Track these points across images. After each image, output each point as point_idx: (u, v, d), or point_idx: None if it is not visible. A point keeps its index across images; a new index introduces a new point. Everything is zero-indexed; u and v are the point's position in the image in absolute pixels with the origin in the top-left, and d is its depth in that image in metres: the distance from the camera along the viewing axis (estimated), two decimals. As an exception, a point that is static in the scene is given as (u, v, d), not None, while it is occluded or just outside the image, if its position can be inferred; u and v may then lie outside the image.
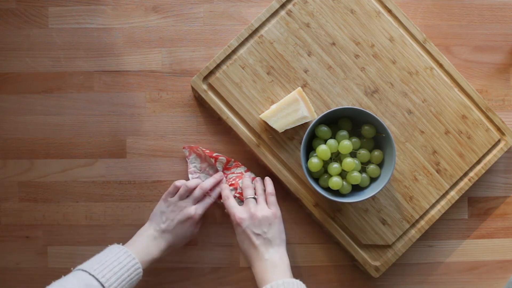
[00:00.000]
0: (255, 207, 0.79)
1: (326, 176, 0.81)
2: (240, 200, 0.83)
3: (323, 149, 0.78)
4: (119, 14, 0.88)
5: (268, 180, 0.84)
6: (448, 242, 0.89)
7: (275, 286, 0.72)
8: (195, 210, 0.81)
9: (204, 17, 0.88)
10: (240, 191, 0.83)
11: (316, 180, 0.82)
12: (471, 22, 0.90)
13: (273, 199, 0.81)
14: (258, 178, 0.84)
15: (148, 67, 0.88)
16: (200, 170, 0.87)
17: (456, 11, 0.90)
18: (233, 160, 0.86)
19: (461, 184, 0.86)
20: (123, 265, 0.73)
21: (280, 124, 0.81)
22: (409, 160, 0.85)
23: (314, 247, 0.88)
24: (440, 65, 0.86)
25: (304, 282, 0.74)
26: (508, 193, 0.90)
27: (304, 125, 0.84)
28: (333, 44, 0.85)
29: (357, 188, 0.82)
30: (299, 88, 0.82)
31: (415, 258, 0.89)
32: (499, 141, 0.86)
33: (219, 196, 0.84)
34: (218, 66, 0.84)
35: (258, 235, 0.77)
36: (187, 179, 0.87)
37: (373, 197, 0.84)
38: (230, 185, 0.84)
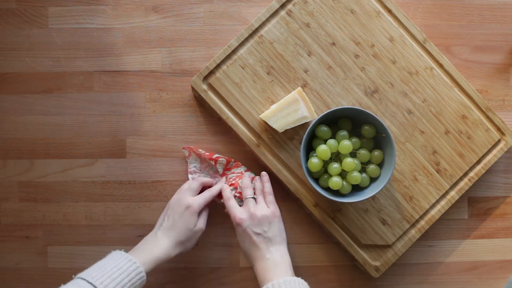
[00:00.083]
0: (255, 207, 0.79)
1: (326, 176, 0.81)
2: (240, 199, 0.83)
3: (323, 149, 0.78)
4: (119, 14, 0.88)
5: (265, 177, 0.83)
6: (448, 242, 0.89)
7: (276, 285, 0.72)
8: (193, 199, 0.80)
9: (204, 17, 0.88)
10: (240, 191, 0.83)
11: (316, 180, 0.82)
12: (471, 22, 0.90)
13: (271, 198, 0.81)
14: (257, 178, 0.84)
15: (148, 67, 0.88)
16: (200, 170, 0.87)
17: (456, 11, 0.90)
18: (233, 160, 0.86)
19: (461, 184, 0.86)
20: (123, 270, 0.71)
21: (280, 124, 0.81)
22: (409, 160, 0.85)
23: (314, 247, 0.88)
24: (440, 65, 0.86)
25: (302, 279, 0.74)
26: (508, 193, 0.90)
27: (304, 125, 0.84)
28: (333, 44, 0.85)
29: (357, 188, 0.82)
30: (299, 88, 0.82)
31: (415, 258, 0.89)
32: (499, 141, 0.86)
33: (220, 196, 0.84)
34: (218, 66, 0.84)
35: (258, 234, 0.77)
36: (187, 179, 0.87)
37: (373, 197, 0.84)
38: (230, 185, 0.84)
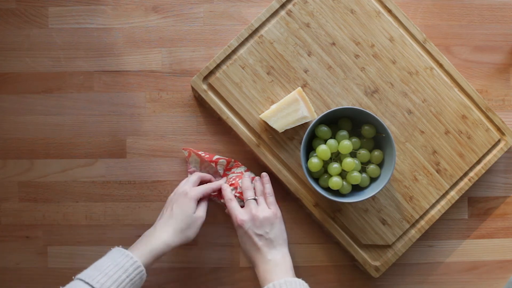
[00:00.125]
0: (256, 208, 0.79)
1: (326, 176, 0.81)
2: (241, 199, 0.83)
3: (323, 149, 0.78)
4: (119, 14, 0.88)
5: (265, 178, 0.83)
6: (448, 242, 0.89)
7: (277, 285, 0.72)
8: (190, 187, 0.79)
9: (204, 17, 0.88)
10: (240, 191, 0.83)
11: (316, 180, 0.82)
12: (471, 22, 0.90)
13: (272, 199, 0.81)
14: (257, 178, 0.84)
15: (148, 67, 0.88)
16: (200, 171, 0.87)
17: (456, 11, 0.90)
18: (233, 160, 0.86)
19: (461, 184, 0.86)
20: (120, 267, 0.71)
21: (280, 124, 0.81)
22: (409, 160, 0.85)
23: (314, 247, 0.88)
24: (440, 65, 0.86)
25: (303, 281, 0.74)
26: (508, 193, 0.90)
27: (304, 125, 0.84)
28: (333, 44, 0.85)
29: (357, 188, 0.82)
30: (299, 88, 0.82)
31: (415, 258, 0.89)
32: (499, 141, 0.86)
33: (220, 195, 0.84)
34: (218, 66, 0.84)
35: (260, 236, 0.77)
36: (187, 179, 0.87)
37: (373, 197, 0.84)
38: (230, 185, 0.84)
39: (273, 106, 0.82)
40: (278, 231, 0.79)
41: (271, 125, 0.81)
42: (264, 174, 0.84)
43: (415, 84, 0.85)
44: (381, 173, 0.80)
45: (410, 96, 0.85)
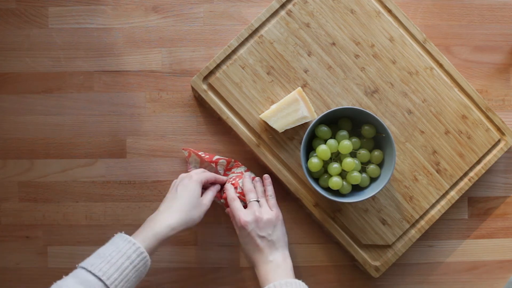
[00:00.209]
0: (259, 210, 0.79)
1: (326, 176, 0.81)
2: (241, 200, 0.83)
3: (323, 149, 0.78)
4: (119, 14, 0.88)
5: (267, 180, 0.83)
6: (448, 242, 0.89)
7: (278, 286, 0.72)
8: (197, 172, 0.80)
9: (204, 17, 0.88)
10: (240, 191, 0.83)
11: (316, 180, 0.82)
12: (471, 22, 0.90)
13: (273, 201, 0.81)
14: (257, 178, 0.84)
15: (148, 67, 0.88)
16: (200, 170, 0.87)
17: (456, 11, 0.90)
18: (233, 160, 0.86)
19: (461, 184, 0.86)
20: (122, 253, 0.69)
21: (280, 124, 0.81)
22: (409, 160, 0.85)
23: (314, 247, 0.88)
24: (440, 65, 0.86)
25: (304, 282, 0.74)
26: (508, 193, 0.90)
27: (304, 125, 0.84)
28: (333, 44, 0.85)
29: (357, 188, 0.82)
30: (299, 88, 0.82)
31: (415, 258, 0.89)
32: (499, 141, 0.86)
33: (220, 195, 0.84)
34: (218, 66, 0.84)
35: (263, 237, 0.77)
36: (187, 179, 0.87)
37: (373, 197, 0.84)
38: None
39: (273, 106, 0.82)
40: (280, 233, 0.79)
41: (271, 125, 0.81)
42: (266, 176, 0.84)
43: (415, 84, 0.85)
44: (381, 173, 0.80)
45: (410, 96, 0.85)
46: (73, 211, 0.88)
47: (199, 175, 0.80)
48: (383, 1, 0.85)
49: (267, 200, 0.81)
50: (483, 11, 0.90)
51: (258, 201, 0.81)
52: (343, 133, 0.80)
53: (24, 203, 0.88)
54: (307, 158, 0.81)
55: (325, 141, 0.81)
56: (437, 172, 0.85)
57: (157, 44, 0.88)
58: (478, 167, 0.86)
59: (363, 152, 0.81)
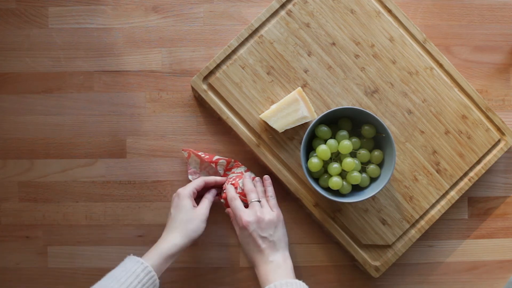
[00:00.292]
0: (261, 210, 0.79)
1: (326, 176, 0.81)
2: (241, 200, 0.83)
3: (323, 149, 0.78)
4: (119, 14, 0.88)
5: (267, 181, 0.83)
6: (448, 242, 0.89)
7: (279, 286, 0.72)
8: (181, 189, 0.80)
9: (204, 17, 0.88)
10: (240, 191, 0.83)
11: (316, 180, 0.82)
12: (471, 22, 0.90)
13: (274, 201, 0.82)
14: (257, 179, 0.84)
15: (148, 67, 0.88)
16: (200, 171, 0.87)
17: (456, 11, 0.90)
18: (233, 160, 0.86)
19: (461, 184, 0.86)
20: (131, 273, 0.72)
21: (280, 124, 0.81)
22: (409, 160, 0.85)
23: (314, 247, 0.88)
24: (440, 65, 0.86)
25: (304, 282, 0.74)
26: (508, 193, 0.90)
27: (304, 125, 0.84)
28: (333, 44, 0.85)
29: (357, 188, 0.82)
30: (299, 88, 0.82)
31: (415, 258, 0.89)
32: (499, 141, 0.86)
33: (220, 194, 0.84)
34: (218, 66, 0.84)
35: (264, 238, 0.77)
36: (187, 179, 0.87)
37: (373, 197, 0.84)
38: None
39: (273, 106, 0.82)
40: (281, 233, 0.79)
41: (271, 125, 0.81)
42: (266, 176, 0.84)
43: (415, 84, 0.85)
44: (381, 173, 0.80)
45: (410, 96, 0.85)
46: (73, 211, 0.88)
47: (186, 188, 0.80)
48: (383, 1, 0.85)
49: (268, 201, 0.82)
50: (483, 11, 0.90)
51: (259, 201, 0.81)
52: (343, 133, 0.80)
53: (24, 203, 0.88)
54: (307, 158, 0.81)
55: (325, 141, 0.81)
56: (437, 172, 0.85)
57: (157, 44, 0.88)
58: (478, 167, 0.86)
59: (363, 152, 0.81)
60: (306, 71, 0.84)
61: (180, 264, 0.87)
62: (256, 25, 0.84)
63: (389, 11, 0.85)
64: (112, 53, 0.88)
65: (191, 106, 0.88)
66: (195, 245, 0.87)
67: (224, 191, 0.84)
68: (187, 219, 0.78)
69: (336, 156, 0.81)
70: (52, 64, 0.88)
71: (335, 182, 0.78)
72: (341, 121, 0.82)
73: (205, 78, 0.84)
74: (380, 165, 0.81)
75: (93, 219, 0.88)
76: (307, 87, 0.85)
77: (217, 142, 0.88)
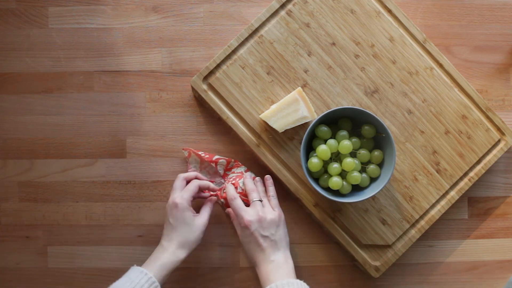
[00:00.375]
0: (263, 210, 0.79)
1: (326, 176, 0.81)
2: (241, 199, 0.83)
3: (323, 149, 0.78)
4: (119, 14, 0.88)
5: (269, 181, 0.83)
6: (448, 242, 0.89)
7: (280, 286, 0.72)
8: (178, 197, 0.79)
9: (204, 17, 0.88)
10: (241, 191, 0.83)
11: (316, 180, 0.82)
12: (471, 22, 0.90)
13: (275, 201, 0.82)
14: (258, 178, 0.84)
15: (148, 67, 0.88)
16: (200, 171, 0.87)
17: (456, 11, 0.90)
18: (233, 160, 0.86)
19: (461, 184, 0.86)
20: (135, 284, 0.72)
21: (280, 124, 0.81)
22: (409, 160, 0.85)
23: (314, 247, 0.88)
24: (440, 65, 0.86)
25: (305, 283, 0.74)
26: (508, 193, 0.90)
27: (304, 125, 0.84)
28: (333, 44, 0.85)
29: (357, 188, 0.82)
30: (299, 88, 0.82)
31: (415, 258, 0.89)
32: (499, 141, 0.86)
33: (219, 194, 0.84)
34: (218, 66, 0.84)
35: (265, 237, 0.77)
36: (187, 179, 0.87)
37: (373, 197, 0.84)
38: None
39: (273, 106, 0.82)
40: (282, 233, 0.79)
41: (271, 125, 0.81)
42: (267, 176, 0.84)
43: (415, 84, 0.85)
44: (381, 173, 0.80)
45: (410, 96, 0.85)
46: (73, 211, 0.88)
47: (183, 198, 0.79)
48: (383, 1, 0.85)
49: (269, 201, 0.82)
50: (483, 11, 0.90)
51: (260, 200, 0.81)
52: (343, 133, 0.80)
53: (24, 203, 0.88)
54: (307, 158, 0.81)
55: (325, 141, 0.81)
56: (437, 172, 0.85)
57: (157, 44, 0.88)
58: (478, 167, 0.86)
59: (363, 152, 0.81)
60: (306, 71, 0.84)
61: (180, 264, 0.87)
62: (256, 25, 0.84)
63: (389, 11, 0.85)
64: (112, 53, 0.88)
65: (191, 106, 0.88)
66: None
67: (224, 191, 0.84)
68: (188, 231, 0.78)
69: (336, 156, 0.81)
70: (52, 64, 0.88)
71: (335, 182, 0.78)
72: (341, 121, 0.82)
73: (205, 78, 0.84)
74: (380, 165, 0.81)
75: (93, 219, 0.88)
76: (307, 87, 0.85)
77: (217, 142, 0.88)
